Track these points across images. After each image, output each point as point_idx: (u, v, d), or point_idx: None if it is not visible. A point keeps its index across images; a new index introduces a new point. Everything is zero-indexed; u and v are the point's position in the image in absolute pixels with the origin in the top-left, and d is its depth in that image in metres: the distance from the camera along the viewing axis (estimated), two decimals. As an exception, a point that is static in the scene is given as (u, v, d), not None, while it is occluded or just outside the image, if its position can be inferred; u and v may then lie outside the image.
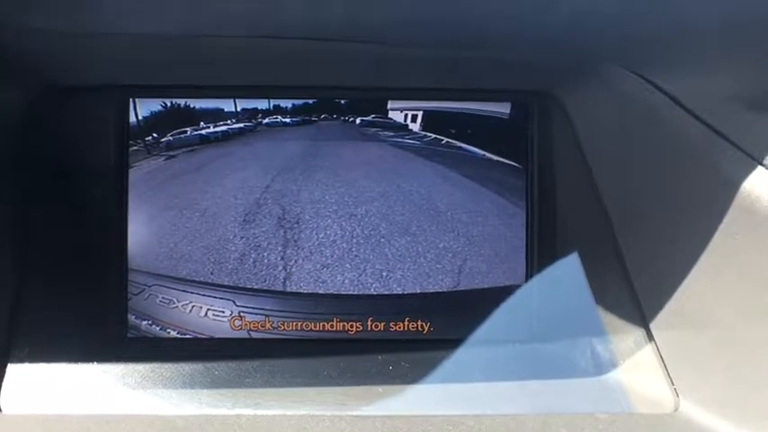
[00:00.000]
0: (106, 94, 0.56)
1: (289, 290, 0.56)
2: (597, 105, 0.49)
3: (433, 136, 0.56)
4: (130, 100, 0.56)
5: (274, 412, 0.44)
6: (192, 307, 0.57)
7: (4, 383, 0.50)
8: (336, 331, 0.54)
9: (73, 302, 0.52)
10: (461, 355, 0.52)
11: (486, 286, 0.53)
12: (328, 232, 0.58)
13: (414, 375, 0.49)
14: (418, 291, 0.55)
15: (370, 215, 0.58)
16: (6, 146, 0.52)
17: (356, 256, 0.57)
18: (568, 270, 0.51)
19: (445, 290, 0.55)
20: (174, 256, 0.57)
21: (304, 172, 0.57)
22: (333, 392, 0.48)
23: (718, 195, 0.42)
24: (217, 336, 0.56)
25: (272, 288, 0.56)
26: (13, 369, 0.51)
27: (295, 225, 0.57)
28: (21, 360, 0.51)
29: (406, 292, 0.55)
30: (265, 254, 0.57)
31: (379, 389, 0.46)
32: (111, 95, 0.56)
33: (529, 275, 0.53)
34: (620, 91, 0.46)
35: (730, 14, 0.36)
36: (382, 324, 0.54)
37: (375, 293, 0.55)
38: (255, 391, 0.47)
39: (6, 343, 0.51)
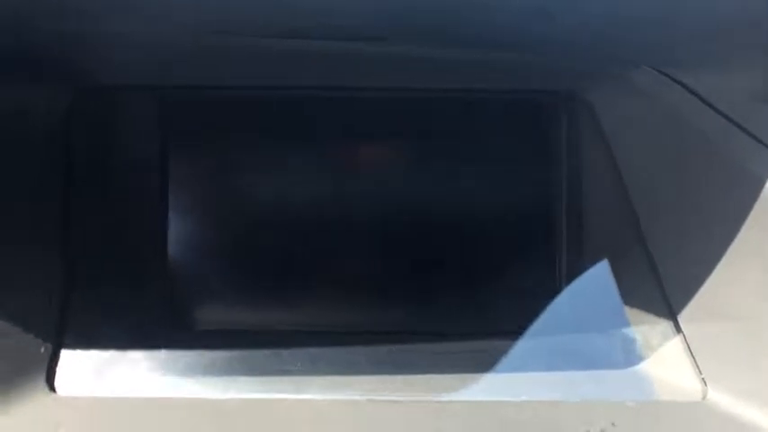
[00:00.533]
0: (141, 93, 0.58)
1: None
2: (625, 106, 0.50)
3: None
4: (162, 100, 0.59)
5: (316, 396, 0.46)
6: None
7: (58, 367, 0.52)
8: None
9: (122, 292, 0.55)
10: (506, 346, 0.54)
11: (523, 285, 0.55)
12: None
13: (455, 366, 0.51)
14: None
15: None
16: (51, 146, 0.54)
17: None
18: (598, 267, 0.52)
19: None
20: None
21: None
22: (382, 380, 0.50)
23: (743, 190, 0.43)
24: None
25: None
26: (66, 354, 0.53)
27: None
28: (74, 346, 0.53)
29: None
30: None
31: (425, 377, 0.48)
32: (145, 95, 0.58)
33: (560, 272, 0.55)
34: (647, 91, 0.48)
35: (754, 13, 0.37)
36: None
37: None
38: (297, 379, 0.49)
39: (60, 329, 0.54)
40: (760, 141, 0.43)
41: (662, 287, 0.51)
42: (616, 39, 0.46)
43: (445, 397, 0.47)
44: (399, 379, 0.49)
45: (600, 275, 0.53)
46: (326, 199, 0.59)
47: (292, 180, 0.59)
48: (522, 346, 0.54)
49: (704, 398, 0.47)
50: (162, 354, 0.54)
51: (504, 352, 0.52)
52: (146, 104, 0.59)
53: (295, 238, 0.59)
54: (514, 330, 0.54)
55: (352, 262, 0.58)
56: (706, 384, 0.48)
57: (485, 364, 0.50)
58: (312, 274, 0.58)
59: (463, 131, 0.57)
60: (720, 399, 0.46)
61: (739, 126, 0.44)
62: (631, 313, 0.53)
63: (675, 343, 0.50)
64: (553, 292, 0.55)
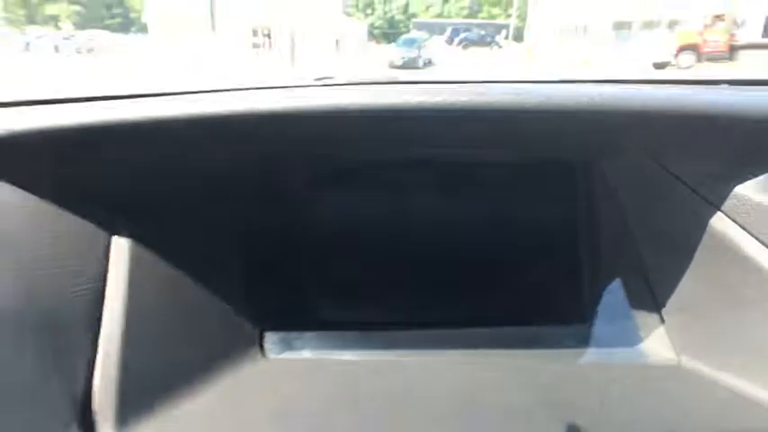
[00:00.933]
0: None
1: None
2: (624, 177, 0.63)
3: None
4: None
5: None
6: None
7: (266, 332, 0.63)
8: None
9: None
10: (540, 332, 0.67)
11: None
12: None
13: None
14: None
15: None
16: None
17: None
18: (606, 271, 0.65)
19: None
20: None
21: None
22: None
23: (704, 236, 0.57)
24: None
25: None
26: (274, 319, 0.64)
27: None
28: (280, 320, 0.64)
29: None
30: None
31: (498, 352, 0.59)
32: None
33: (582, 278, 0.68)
34: (638, 168, 0.61)
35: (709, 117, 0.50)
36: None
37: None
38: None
39: (271, 297, 0.64)
40: (716, 207, 0.55)
41: (648, 281, 0.64)
42: (614, 137, 0.58)
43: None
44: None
45: (607, 281, 0.67)
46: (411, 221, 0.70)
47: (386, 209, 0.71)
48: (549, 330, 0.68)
49: (678, 364, 0.61)
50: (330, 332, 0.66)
51: (540, 336, 0.66)
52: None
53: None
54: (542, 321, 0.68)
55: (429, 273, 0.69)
56: (679, 354, 0.62)
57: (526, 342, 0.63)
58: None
59: (510, 187, 0.69)
60: (692, 364, 0.59)
61: (702, 196, 0.57)
62: (625, 301, 0.66)
63: (657, 323, 0.64)
64: (573, 291, 0.69)
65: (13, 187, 0.40)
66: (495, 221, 0.65)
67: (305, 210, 0.64)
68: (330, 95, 0.46)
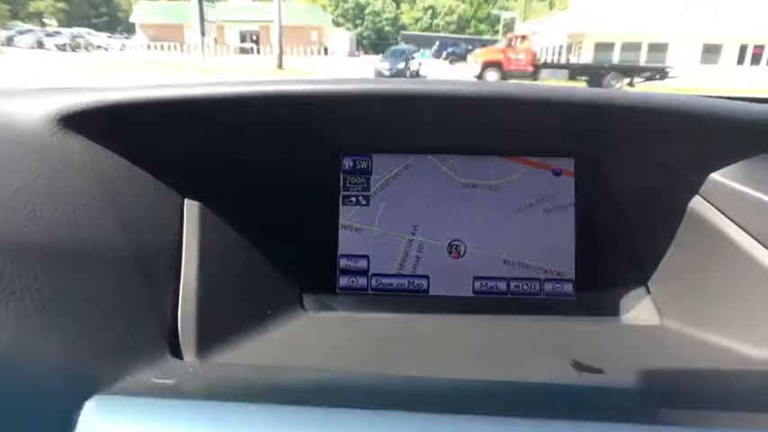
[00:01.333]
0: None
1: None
2: (620, 168, 0.69)
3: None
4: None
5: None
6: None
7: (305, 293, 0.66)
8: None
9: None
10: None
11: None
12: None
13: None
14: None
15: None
16: None
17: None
18: (596, 249, 0.72)
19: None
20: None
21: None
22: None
23: (684, 218, 0.62)
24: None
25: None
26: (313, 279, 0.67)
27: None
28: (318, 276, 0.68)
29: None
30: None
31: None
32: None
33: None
34: (628, 156, 0.67)
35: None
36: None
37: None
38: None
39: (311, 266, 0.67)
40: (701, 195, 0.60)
41: (634, 257, 0.71)
42: (609, 133, 0.66)
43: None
44: None
45: (601, 253, 0.74)
46: None
47: None
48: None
49: (661, 325, 0.68)
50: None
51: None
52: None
53: None
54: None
55: None
56: (663, 320, 0.69)
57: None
58: None
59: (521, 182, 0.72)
60: (674, 326, 0.66)
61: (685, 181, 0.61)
62: (613, 276, 0.73)
63: (643, 294, 0.70)
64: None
65: (114, 154, 0.48)
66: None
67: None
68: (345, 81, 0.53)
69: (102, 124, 0.47)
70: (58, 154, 0.43)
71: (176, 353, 0.46)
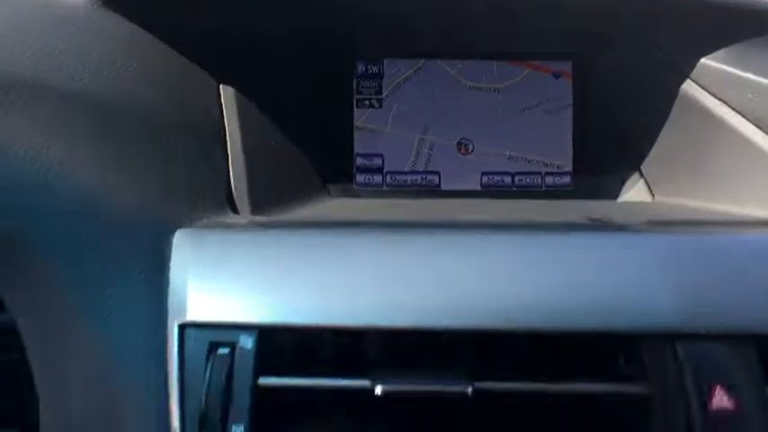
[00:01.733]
0: None
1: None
2: (615, 64, 0.70)
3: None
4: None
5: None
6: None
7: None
8: None
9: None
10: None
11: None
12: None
13: None
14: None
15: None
16: None
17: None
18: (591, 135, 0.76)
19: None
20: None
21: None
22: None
23: (676, 100, 0.64)
24: None
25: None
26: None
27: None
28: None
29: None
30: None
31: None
32: None
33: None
34: (627, 55, 0.68)
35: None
36: None
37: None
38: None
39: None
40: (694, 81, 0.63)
41: (628, 141, 0.72)
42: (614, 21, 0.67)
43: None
44: None
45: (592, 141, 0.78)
46: None
47: None
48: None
49: (653, 200, 0.73)
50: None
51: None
52: None
53: None
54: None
55: None
56: (654, 196, 0.74)
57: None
58: None
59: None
60: (665, 200, 0.72)
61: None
62: (607, 160, 0.78)
63: (638, 179, 0.75)
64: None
65: (151, 36, 0.52)
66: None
67: None
68: None
69: (139, 3, 0.51)
70: (98, 33, 0.44)
71: (233, 209, 0.52)
